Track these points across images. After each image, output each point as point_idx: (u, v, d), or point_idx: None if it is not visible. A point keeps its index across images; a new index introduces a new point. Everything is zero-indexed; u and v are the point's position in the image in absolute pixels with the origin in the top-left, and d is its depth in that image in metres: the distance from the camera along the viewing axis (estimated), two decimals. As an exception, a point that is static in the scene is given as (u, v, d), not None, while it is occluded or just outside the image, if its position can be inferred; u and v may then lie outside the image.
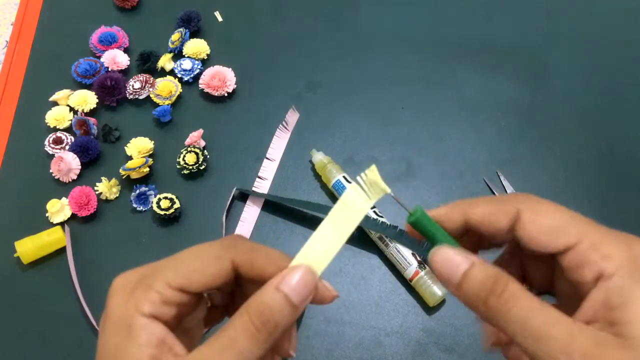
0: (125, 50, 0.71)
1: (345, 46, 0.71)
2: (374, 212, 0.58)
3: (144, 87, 0.67)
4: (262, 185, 0.63)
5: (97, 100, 0.67)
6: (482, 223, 0.29)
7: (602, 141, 0.65)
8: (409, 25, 0.73)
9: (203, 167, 0.63)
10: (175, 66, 0.69)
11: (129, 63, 0.70)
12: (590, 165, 0.64)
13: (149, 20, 0.74)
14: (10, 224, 0.61)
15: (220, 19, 0.74)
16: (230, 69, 0.68)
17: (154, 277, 0.29)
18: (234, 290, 0.34)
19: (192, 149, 0.63)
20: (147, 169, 0.63)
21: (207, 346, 0.27)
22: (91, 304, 0.57)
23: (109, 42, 0.70)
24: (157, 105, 0.67)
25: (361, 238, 0.60)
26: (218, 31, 0.73)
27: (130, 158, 0.64)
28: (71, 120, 0.66)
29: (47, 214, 0.61)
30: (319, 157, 0.62)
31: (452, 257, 0.28)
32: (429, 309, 0.56)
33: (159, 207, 0.60)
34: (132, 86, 0.67)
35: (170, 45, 0.70)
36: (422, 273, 0.55)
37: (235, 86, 0.68)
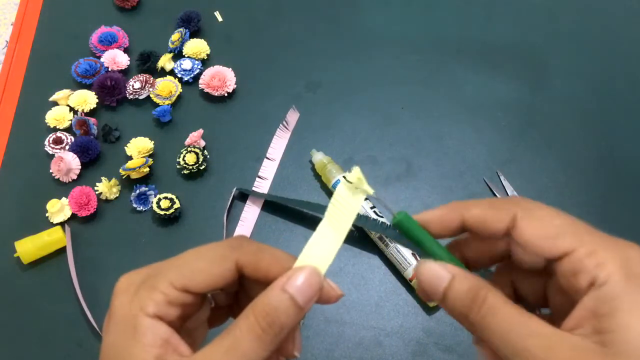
0: (125, 50, 0.71)
1: (345, 46, 0.71)
2: (374, 212, 0.58)
3: (144, 87, 0.67)
4: (262, 185, 0.63)
5: (97, 100, 0.67)
6: (478, 225, 0.29)
7: (602, 141, 0.65)
8: (409, 25, 0.73)
9: (203, 167, 0.63)
10: (175, 66, 0.69)
11: (129, 63, 0.70)
12: (590, 165, 0.64)
13: (149, 20, 0.74)
14: (10, 224, 0.61)
15: (220, 19, 0.74)
16: (230, 69, 0.68)
17: (158, 277, 0.29)
18: (238, 291, 0.34)
19: (192, 149, 0.63)
20: (147, 169, 0.63)
21: (212, 347, 0.27)
22: (91, 304, 0.57)
23: (109, 42, 0.70)
24: (157, 105, 0.67)
25: (361, 238, 0.60)
26: (218, 31, 0.73)
27: (130, 158, 0.64)
28: (71, 120, 0.66)
29: (47, 214, 0.61)
30: (319, 157, 0.62)
31: (434, 270, 0.28)
32: (429, 309, 0.56)
33: (159, 207, 0.60)
34: (132, 86, 0.67)
35: (170, 45, 0.70)
36: (422, 273, 0.55)
37: (235, 86, 0.68)
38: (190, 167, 0.62)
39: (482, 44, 0.71)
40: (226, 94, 0.67)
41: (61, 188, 0.63)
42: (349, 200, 0.30)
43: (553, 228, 0.27)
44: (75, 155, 0.63)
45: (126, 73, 0.70)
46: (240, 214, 0.61)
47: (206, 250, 0.30)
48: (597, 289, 0.25)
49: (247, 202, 0.62)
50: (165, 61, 0.69)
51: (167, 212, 0.59)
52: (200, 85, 0.68)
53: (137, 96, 0.67)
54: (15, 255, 0.58)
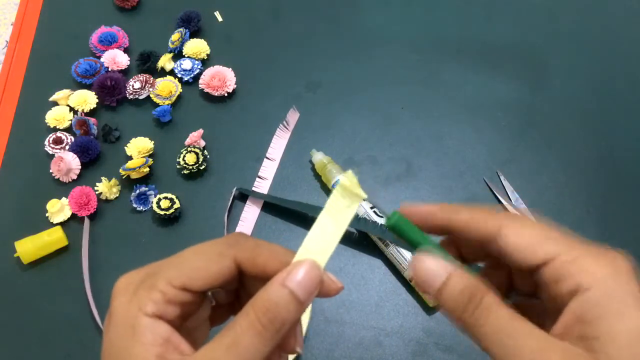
0: (125, 50, 0.71)
1: (345, 46, 0.71)
2: (374, 212, 0.58)
3: (144, 87, 0.67)
4: (262, 185, 0.63)
5: (97, 100, 0.67)
6: (466, 228, 0.30)
7: (602, 141, 0.65)
8: (409, 25, 0.73)
9: (203, 167, 0.63)
10: (175, 66, 0.69)
11: (129, 63, 0.70)
12: (590, 165, 0.64)
13: (149, 20, 0.74)
14: (10, 224, 0.61)
15: (220, 19, 0.74)
16: (230, 69, 0.68)
17: (157, 276, 0.29)
18: (239, 289, 0.34)
19: (192, 149, 0.63)
20: (147, 169, 0.63)
21: (214, 344, 0.27)
22: (88, 306, 0.57)
23: (109, 42, 0.70)
24: (157, 105, 0.67)
25: (361, 238, 0.60)
26: (218, 31, 0.73)
27: (130, 158, 0.64)
28: (71, 120, 0.66)
29: (47, 214, 0.61)
30: (319, 157, 0.62)
31: (430, 267, 0.28)
32: (429, 309, 0.56)
33: (159, 207, 0.60)
34: (132, 86, 0.67)
35: (170, 45, 0.70)
36: (422, 273, 0.55)
37: (235, 86, 0.68)
38: (190, 167, 0.62)
39: (482, 44, 0.71)
40: (226, 94, 0.67)
41: (61, 188, 0.63)
42: (344, 204, 0.30)
43: (536, 236, 0.27)
44: (75, 155, 0.63)
45: (126, 73, 0.70)
46: (240, 214, 0.61)
47: (204, 248, 0.30)
48: (581, 295, 0.25)
49: (247, 202, 0.62)
50: (165, 61, 0.69)
51: (167, 212, 0.59)
52: (200, 85, 0.68)
53: (137, 96, 0.67)
54: (15, 255, 0.58)
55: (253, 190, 0.62)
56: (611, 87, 0.68)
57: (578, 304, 0.25)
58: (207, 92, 0.67)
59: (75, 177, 0.63)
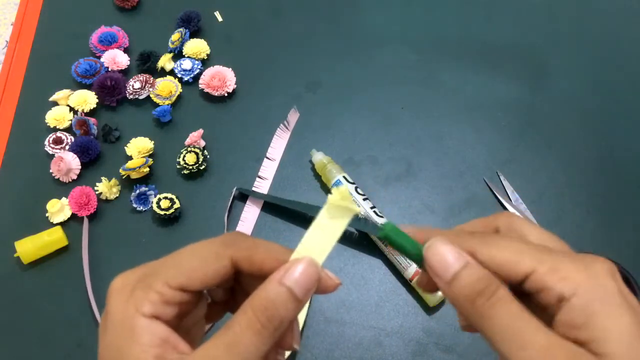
0: (125, 50, 0.71)
1: (345, 46, 0.71)
2: (374, 212, 0.58)
3: (144, 87, 0.67)
4: (262, 185, 0.63)
5: (97, 100, 0.67)
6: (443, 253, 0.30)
7: (602, 141, 0.65)
8: (409, 25, 0.73)
9: (203, 167, 0.63)
10: (175, 66, 0.69)
11: (129, 63, 0.70)
12: (590, 165, 0.64)
13: (149, 20, 0.74)
14: (10, 224, 0.61)
15: (220, 19, 0.74)
16: (230, 69, 0.68)
17: (154, 277, 0.29)
18: (234, 286, 0.34)
19: (192, 149, 0.63)
20: (147, 169, 0.63)
21: (213, 344, 0.27)
22: (89, 306, 0.57)
23: (109, 42, 0.70)
24: (157, 105, 0.67)
25: (361, 239, 0.60)
26: (218, 31, 0.73)
27: (130, 158, 0.64)
28: (71, 120, 0.66)
29: (47, 214, 0.61)
30: (319, 157, 0.62)
31: (446, 254, 0.28)
32: (429, 309, 0.56)
33: (159, 207, 0.60)
34: (132, 86, 0.67)
35: (170, 45, 0.70)
36: (422, 273, 0.55)
37: (235, 86, 0.68)
38: (190, 167, 0.62)
39: (482, 44, 0.71)
40: (226, 94, 0.67)
41: (61, 188, 0.63)
42: (334, 221, 0.30)
43: (510, 253, 0.27)
44: (75, 155, 0.63)
45: (126, 73, 0.70)
46: (241, 214, 0.61)
47: (201, 248, 0.30)
48: (566, 303, 0.25)
49: (247, 202, 0.62)
50: (165, 61, 0.69)
51: (167, 212, 0.59)
52: (200, 85, 0.68)
53: (137, 96, 0.67)
54: (15, 255, 0.58)
55: (253, 190, 0.62)
56: (611, 87, 0.68)
57: (565, 312, 0.25)
58: (207, 92, 0.67)
59: (75, 177, 0.63)
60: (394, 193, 0.63)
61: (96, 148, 0.64)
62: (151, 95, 0.67)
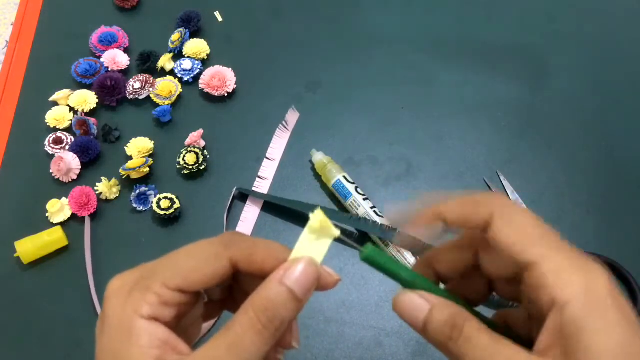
0: (125, 50, 0.71)
1: (345, 46, 0.71)
2: (374, 212, 0.58)
3: (144, 87, 0.67)
4: (262, 185, 0.63)
5: (97, 100, 0.67)
6: (456, 222, 0.29)
7: (602, 141, 0.65)
8: (409, 25, 0.73)
9: (203, 167, 0.63)
10: (175, 66, 0.69)
11: (129, 63, 0.70)
12: (590, 166, 0.64)
13: (149, 20, 0.74)
14: (10, 224, 0.61)
15: (220, 19, 0.74)
16: (230, 69, 0.68)
17: (151, 278, 0.28)
18: (232, 284, 0.34)
19: (192, 149, 0.63)
20: (147, 169, 0.63)
21: (213, 344, 0.27)
22: (91, 304, 0.57)
23: (109, 42, 0.70)
24: (157, 105, 0.67)
25: (361, 238, 0.60)
26: (218, 31, 0.73)
27: (130, 158, 0.64)
28: (71, 120, 0.66)
29: (47, 214, 0.61)
30: (319, 157, 0.62)
31: (413, 301, 0.28)
32: (429, 309, 0.56)
33: (159, 207, 0.60)
34: (132, 86, 0.67)
35: (170, 45, 0.70)
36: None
37: (235, 86, 0.68)
38: (190, 167, 0.62)
39: (482, 44, 0.71)
40: (226, 94, 0.67)
41: (61, 188, 0.63)
42: (315, 244, 0.29)
43: (526, 236, 0.27)
44: (75, 155, 0.63)
45: (126, 73, 0.70)
46: (241, 214, 0.61)
47: (199, 248, 0.30)
48: (560, 309, 0.25)
49: (247, 202, 0.62)
50: (165, 61, 0.69)
51: (167, 212, 0.59)
52: (200, 85, 0.68)
53: (137, 96, 0.67)
54: (15, 255, 0.58)
55: (253, 190, 0.62)
56: (611, 87, 0.68)
57: (557, 318, 0.25)
58: (207, 92, 0.67)
59: (75, 177, 0.63)
60: (394, 193, 0.62)
61: (96, 148, 0.64)
62: (151, 95, 0.67)
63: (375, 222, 0.58)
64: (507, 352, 0.26)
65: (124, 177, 0.62)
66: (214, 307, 0.34)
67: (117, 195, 0.63)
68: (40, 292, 0.58)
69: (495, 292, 0.33)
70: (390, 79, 0.69)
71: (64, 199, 0.62)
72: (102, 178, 0.62)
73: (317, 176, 0.63)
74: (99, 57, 0.70)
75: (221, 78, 0.67)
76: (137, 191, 0.61)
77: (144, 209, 0.61)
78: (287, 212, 0.61)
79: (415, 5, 0.74)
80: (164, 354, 0.27)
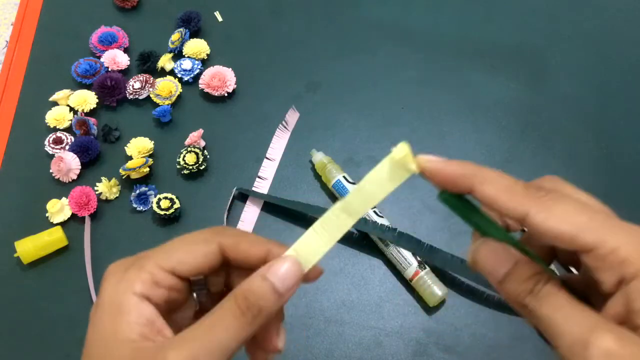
0: (125, 50, 0.71)
1: (345, 46, 0.71)
2: (374, 212, 0.58)
3: (144, 87, 0.67)
4: (262, 185, 0.63)
5: (97, 100, 0.67)
6: (491, 204, 0.28)
7: (603, 141, 0.65)
8: (409, 26, 0.73)
9: (203, 167, 0.63)
10: (175, 66, 0.69)
11: (129, 63, 0.70)
12: (590, 166, 0.64)
13: (149, 20, 0.74)
14: (10, 224, 0.61)
15: (220, 19, 0.74)
16: (230, 69, 0.68)
17: (146, 259, 0.30)
18: (224, 293, 0.34)
19: (192, 149, 0.63)
20: (147, 169, 0.63)
21: (195, 325, 0.28)
22: (91, 303, 0.57)
23: (109, 42, 0.70)
24: (157, 105, 0.67)
25: (361, 238, 0.60)
26: (218, 31, 0.73)
27: (130, 158, 0.64)
28: (71, 120, 0.66)
29: (47, 214, 0.61)
30: (319, 157, 0.62)
31: (497, 253, 0.28)
32: (429, 309, 0.56)
33: (159, 207, 0.60)
34: (132, 86, 0.67)
35: (170, 45, 0.70)
36: (422, 273, 0.55)
37: (235, 86, 0.68)
38: (190, 167, 0.62)
39: (482, 44, 0.71)
40: (226, 94, 0.67)
41: (61, 188, 0.63)
42: (386, 179, 0.29)
43: (573, 224, 0.26)
44: (75, 155, 0.63)
45: (126, 73, 0.70)
46: (240, 214, 0.61)
47: (191, 235, 0.32)
48: (627, 285, 0.25)
49: (247, 202, 0.62)
50: (165, 61, 0.69)
51: (167, 212, 0.59)
52: (200, 85, 0.68)
53: (137, 96, 0.67)
54: (15, 255, 0.58)
55: (253, 190, 0.62)
56: (611, 87, 0.68)
57: (624, 295, 0.25)
58: (207, 92, 0.67)
59: (75, 177, 0.63)
60: (394, 193, 0.62)
61: (96, 148, 0.64)
62: (151, 95, 0.67)
63: (375, 222, 0.58)
64: (583, 310, 0.25)
65: (124, 177, 0.62)
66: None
67: (117, 195, 0.63)
68: (40, 292, 0.58)
69: (557, 257, 0.32)
70: (390, 79, 0.69)
71: (64, 199, 0.61)
72: (102, 178, 0.62)
73: (317, 176, 0.63)
74: (99, 57, 0.70)
75: (221, 78, 0.67)
76: (137, 191, 0.61)
77: (144, 209, 0.61)
78: (287, 212, 0.61)
79: (415, 6, 0.74)
80: (150, 332, 0.28)
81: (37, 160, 0.64)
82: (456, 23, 0.73)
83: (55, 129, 0.66)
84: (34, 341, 0.56)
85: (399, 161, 0.29)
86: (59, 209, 0.60)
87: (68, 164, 0.62)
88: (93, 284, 0.58)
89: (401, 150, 0.29)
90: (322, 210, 0.59)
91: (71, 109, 0.67)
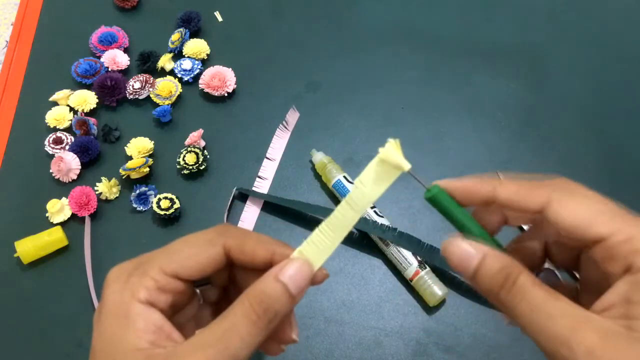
0: (125, 50, 0.71)
1: (345, 46, 0.71)
2: (374, 212, 0.58)
3: (144, 87, 0.67)
4: (262, 185, 0.63)
5: (97, 100, 0.67)
6: (510, 203, 0.29)
7: (603, 141, 0.65)
8: (409, 25, 0.73)
9: (203, 167, 0.63)
10: (175, 66, 0.69)
11: (129, 63, 0.70)
12: (590, 165, 0.64)
13: (149, 20, 0.74)
14: (10, 224, 0.61)
15: (220, 19, 0.74)
16: (230, 69, 0.68)
17: (149, 264, 0.30)
18: (228, 286, 0.34)
19: (192, 149, 0.63)
20: (147, 169, 0.63)
21: (209, 331, 0.28)
22: (91, 304, 0.57)
23: (109, 42, 0.70)
24: (157, 105, 0.67)
25: (361, 238, 0.60)
26: (218, 31, 0.73)
27: (130, 158, 0.64)
28: (71, 120, 0.66)
29: (47, 214, 0.61)
30: (319, 157, 0.62)
31: (464, 249, 0.28)
32: (429, 309, 0.56)
33: (159, 207, 0.60)
34: (132, 86, 0.67)
35: (170, 45, 0.70)
36: (422, 273, 0.55)
37: (235, 86, 0.68)
38: (190, 167, 0.62)
39: (482, 43, 0.71)
40: (226, 94, 0.67)
41: (61, 188, 0.63)
42: (380, 176, 0.30)
43: (588, 213, 0.26)
44: (75, 155, 0.63)
45: (126, 73, 0.70)
46: (241, 214, 0.62)
47: (194, 237, 0.31)
48: (632, 275, 0.25)
49: (247, 202, 0.62)
50: (165, 61, 0.69)
51: (167, 212, 0.59)
52: (200, 85, 0.68)
53: (137, 96, 0.67)
54: (15, 255, 0.58)
55: (253, 190, 0.62)
56: (611, 87, 0.68)
57: (627, 283, 0.25)
58: (207, 92, 0.67)
59: (75, 177, 0.63)
60: (394, 193, 0.62)
61: (96, 148, 0.64)
62: (151, 95, 0.67)
63: (375, 222, 0.58)
64: (562, 305, 0.25)
65: (124, 177, 0.62)
66: (207, 312, 0.35)
67: (117, 195, 0.63)
68: (40, 292, 0.58)
69: (550, 259, 0.32)
70: (390, 79, 0.69)
71: (64, 199, 0.61)
72: (102, 178, 0.62)
73: (317, 176, 0.63)
74: (99, 57, 0.70)
75: (221, 78, 0.67)
76: (137, 191, 0.61)
77: (144, 209, 0.61)
78: (287, 212, 0.61)
79: (416, 5, 0.74)
80: (159, 339, 0.28)
81: (37, 160, 0.64)
82: (456, 23, 0.73)
83: (55, 129, 0.66)
84: (34, 341, 0.56)
85: (387, 160, 0.30)
86: (59, 209, 0.60)
87: (68, 164, 0.62)
88: (93, 284, 0.58)
89: (389, 149, 0.30)
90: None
91: (71, 109, 0.67)
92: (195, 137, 0.64)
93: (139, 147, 0.64)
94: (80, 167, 0.63)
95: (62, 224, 0.61)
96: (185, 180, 0.63)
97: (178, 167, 0.63)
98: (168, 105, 0.66)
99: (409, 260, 0.56)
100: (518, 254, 0.32)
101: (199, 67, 0.69)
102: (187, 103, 0.68)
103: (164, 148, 0.65)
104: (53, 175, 0.63)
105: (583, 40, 0.72)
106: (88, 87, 0.68)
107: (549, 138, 0.65)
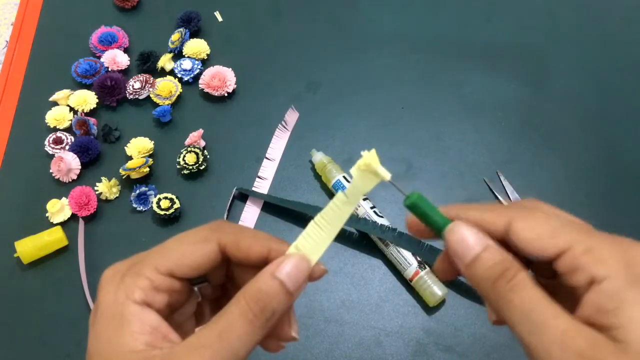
0: (125, 50, 0.71)
1: (345, 46, 0.71)
2: (374, 212, 0.58)
3: (144, 87, 0.67)
4: (262, 185, 0.63)
5: (97, 100, 0.67)
6: (479, 223, 0.29)
7: (603, 141, 0.65)
8: (409, 25, 0.73)
9: (203, 167, 0.63)
10: (175, 66, 0.69)
11: (129, 63, 0.70)
12: (590, 165, 0.64)
13: (149, 20, 0.74)
14: (10, 224, 0.61)
15: (220, 19, 0.74)
16: (230, 69, 0.68)
17: (143, 264, 0.29)
18: (226, 283, 0.34)
19: (192, 149, 0.63)
20: (147, 169, 0.63)
21: (205, 331, 0.27)
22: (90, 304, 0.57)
23: (109, 42, 0.70)
24: (157, 105, 0.67)
25: (361, 238, 0.60)
26: (218, 31, 0.73)
27: (130, 158, 0.64)
28: (71, 120, 0.66)
29: (47, 214, 0.61)
30: (319, 157, 0.62)
31: (467, 236, 0.28)
32: (429, 309, 0.56)
33: (159, 207, 0.60)
34: (132, 86, 0.67)
35: (170, 45, 0.70)
36: (422, 273, 0.55)
37: (235, 86, 0.68)
38: (190, 167, 0.62)
39: (482, 44, 0.71)
40: (226, 94, 0.67)
41: (61, 188, 0.63)
42: (361, 186, 0.31)
43: (548, 228, 0.27)
44: (75, 155, 0.63)
45: (126, 73, 0.70)
46: (241, 214, 0.61)
47: (189, 235, 0.31)
48: (597, 286, 0.25)
49: (247, 202, 0.62)
50: (165, 61, 0.69)
51: (167, 212, 0.59)
52: (200, 85, 0.68)
53: (137, 96, 0.67)
54: (15, 255, 0.58)
55: (253, 190, 0.62)
56: (611, 87, 0.68)
57: (595, 295, 0.25)
58: (207, 92, 0.67)
59: (75, 177, 0.63)
60: (394, 193, 0.62)
61: (96, 148, 0.64)
62: (151, 95, 0.67)
63: (375, 222, 0.58)
64: (555, 309, 0.25)
65: (124, 177, 0.62)
66: (207, 309, 0.34)
67: (117, 195, 0.63)
68: (40, 292, 0.58)
69: (531, 270, 0.32)
70: (390, 79, 0.69)
71: (64, 199, 0.62)
72: (102, 178, 0.62)
73: (317, 176, 0.63)
74: (99, 57, 0.70)
75: (221, 78, 0.67)
76: (137, 191, 0.61)
77: (144, 209, 0.61)
78: (287, 212, 0.61)
79: (415, 5, 0.74)
80: (155, 340, 0.27)
81: (37, 160, 0.64)
82: (456, 23, 0.73)
83: (55, 129, 0.66)
84: (34, 341, 0.56)
85: (366, 168, 0.31)
86: (59, 209, 0.60)
87: (68, 164, 0.62)
88: (87, 286, 0.58)
89: (366, 159, 0.30)
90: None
91: (71, 109, 0.67)
92: (195, 137, 0.64)
93: (139, 147, 0.64)
94: (80, 167, 0.63)
95: (62, 224, 0.61)
96: (185, 180, 0.63)
97: (178, 167, 0.63)
98: (168, 105, 0.66)
99: (408, 261, 0.56)
100: None
101: (199, 67, 0.69)
102: (187, 103, 0.68)
103: (164, 148, 0.65)
104: (53, 175, 0.63)
105: (583, 40, 0.72)
106: (88, 87, 0.68)
107: (549, 138, 0.65)
